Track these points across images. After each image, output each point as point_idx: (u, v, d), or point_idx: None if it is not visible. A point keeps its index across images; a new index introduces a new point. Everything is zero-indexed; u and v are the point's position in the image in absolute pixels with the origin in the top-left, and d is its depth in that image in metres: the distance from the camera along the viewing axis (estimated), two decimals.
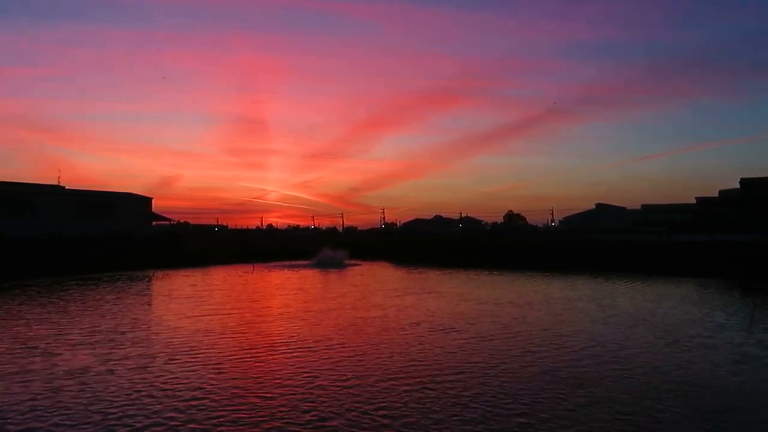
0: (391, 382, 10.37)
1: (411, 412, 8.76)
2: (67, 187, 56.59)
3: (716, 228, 54.40)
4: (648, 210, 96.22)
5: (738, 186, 68.93)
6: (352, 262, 46.57)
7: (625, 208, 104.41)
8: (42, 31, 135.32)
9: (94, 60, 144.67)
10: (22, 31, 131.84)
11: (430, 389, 9.93)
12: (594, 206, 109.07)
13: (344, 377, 10.77)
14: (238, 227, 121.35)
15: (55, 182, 58.03)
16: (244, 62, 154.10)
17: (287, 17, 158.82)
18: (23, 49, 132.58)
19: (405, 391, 9.84)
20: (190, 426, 8.21)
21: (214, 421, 8.42)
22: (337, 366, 11.66)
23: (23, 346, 13.72)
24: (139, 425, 8.21)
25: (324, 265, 43.06)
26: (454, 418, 8.46)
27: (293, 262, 46.98)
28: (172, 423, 8.31)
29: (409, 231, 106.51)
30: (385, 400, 9.35)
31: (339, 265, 43.02)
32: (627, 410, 8.78)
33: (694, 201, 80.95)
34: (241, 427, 8.18)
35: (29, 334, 15.31)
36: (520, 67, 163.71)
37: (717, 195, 74.21)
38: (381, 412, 8.74)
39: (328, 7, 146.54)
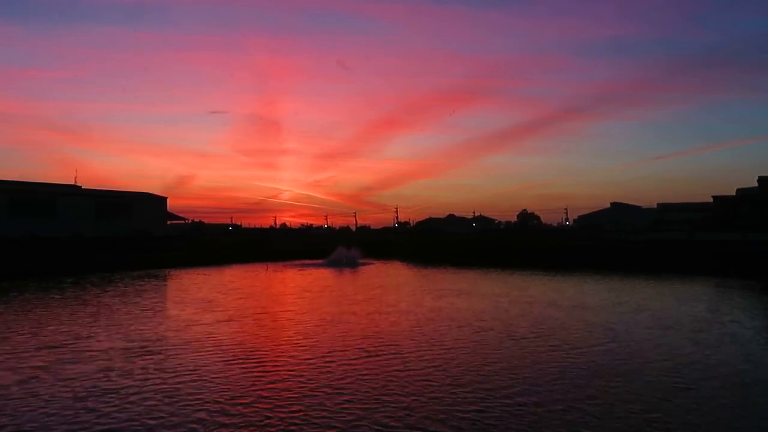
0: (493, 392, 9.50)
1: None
2: (83, 187, 56.98)
3: (735, 227, 53.59)
4: (664, 209, 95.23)
5: (756, 184, 67.95)
6: (366, 261, 46.34)
7: (640, 207, 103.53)
8: (60, 33, 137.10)
9: (111, 62, 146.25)
10: (41, 33, 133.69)
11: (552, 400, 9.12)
12: (609, 205, 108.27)
13: (445, 386, 9.88)
14: (252, 226, 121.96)
15: (71, 182, 58.80)
16: (258, 63, 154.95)
17: (300, 18, 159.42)
18: (42, 52, 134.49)
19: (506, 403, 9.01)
20: None
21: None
22: (417, 372, 10.77)
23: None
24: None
25: (338, 264, 42.75)
26: None
27: (307, 261, 46.77)
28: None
29: (422, 230, 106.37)
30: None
31: (353, 265, 42.61)
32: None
33: (711, 200, 79.99)
34: None
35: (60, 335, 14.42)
36: (534, 66, 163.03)
37: (734, 194, 73.20)
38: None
39: (341, 7, 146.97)
